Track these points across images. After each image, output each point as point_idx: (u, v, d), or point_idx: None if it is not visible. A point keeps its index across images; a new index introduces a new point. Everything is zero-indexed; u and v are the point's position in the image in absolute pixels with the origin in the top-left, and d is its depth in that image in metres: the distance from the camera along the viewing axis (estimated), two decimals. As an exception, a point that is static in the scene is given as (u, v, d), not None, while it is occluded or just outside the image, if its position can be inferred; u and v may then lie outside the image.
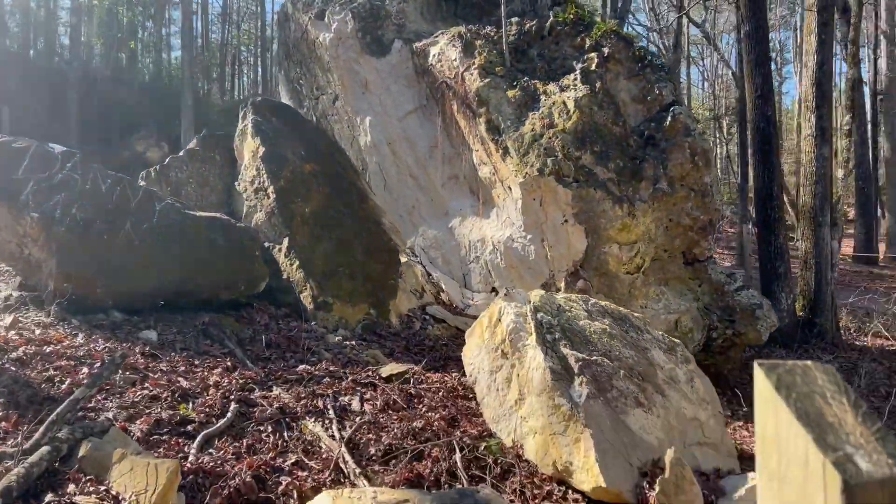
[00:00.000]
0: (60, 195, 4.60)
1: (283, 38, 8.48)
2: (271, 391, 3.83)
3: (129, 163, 13.10)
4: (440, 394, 4.19)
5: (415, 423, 3.66)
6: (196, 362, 3.95)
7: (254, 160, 5.69)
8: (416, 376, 4.42)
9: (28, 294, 4.59)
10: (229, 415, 3.43)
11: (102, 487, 2.67)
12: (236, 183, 5.89)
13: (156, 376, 3.64)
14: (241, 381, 3.81)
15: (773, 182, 8.33)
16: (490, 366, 3.91)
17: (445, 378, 4.49)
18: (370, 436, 3.53)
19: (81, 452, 2.82)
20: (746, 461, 4.11)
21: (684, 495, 3.14)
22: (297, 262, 5.22)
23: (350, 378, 4.20)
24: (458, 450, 3.42)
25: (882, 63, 19.03)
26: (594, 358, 3.67)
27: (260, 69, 29.76)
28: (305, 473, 3.13)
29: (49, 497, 2.57)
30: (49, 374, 3.47)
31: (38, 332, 3.98)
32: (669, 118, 5.69)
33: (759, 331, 5.86)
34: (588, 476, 3.17)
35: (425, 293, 6.26)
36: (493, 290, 6.74)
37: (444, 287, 6.78)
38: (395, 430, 3.57)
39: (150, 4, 24.19)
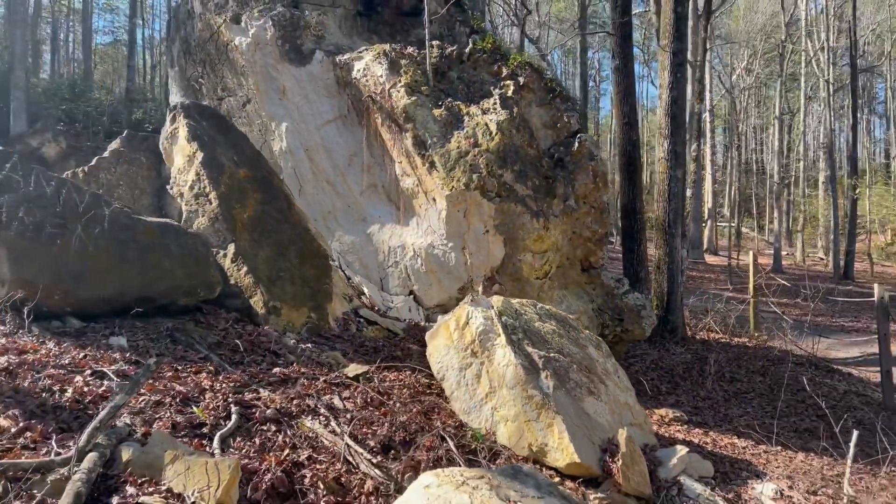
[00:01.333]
0: (4, 197, 4.39)
1: (185, 34, 8.27)
2: (259, 393, 4.03)
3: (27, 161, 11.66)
4: (406, 391, 4.61)
5: (400, 418, 4.07)
6: (178, 367, 4.03)
7: (190, 164, 5.68)
8: (377, 375, 4.79)
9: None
10: (234, 416, 3.61)
11: (163, 487, 2.81)
12: (168, 186, 5.81)
13: (151, 381, 3.71)
14: (230, 385, 3.97)
15: (637, 198, 9.63)
16: (459, 363, 4.40)
17: (401, 376, 4.90)
18: (365, 430, 3.88)
19: (125, 457, 2.91)
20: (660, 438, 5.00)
21: (637, 466, 3.87)
22: (246, 268, 5.34)
23: (321, 379, 4.48)
24: (448, 438, 3.88)
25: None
26: (552, 355, 4.30)
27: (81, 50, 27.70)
28: (323, 466, 3.43)
29: (116, 499, 2.68)
30: (44, 384, 3.43)
31: (2, 340, 3.84)
32: (577, 143, 6.52)
33: (644, 328, 6.89)
34: (563, 455, 3.78)
35: (353, 297, 6.59)
36: (411, 293, 7.21)
37: (365, 290, 7.12)
38: (386, 424, 3.95)
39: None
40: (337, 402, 4.23)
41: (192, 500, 2.78)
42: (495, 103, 6.58)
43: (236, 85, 7.72)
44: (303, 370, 4.53)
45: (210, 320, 4.93)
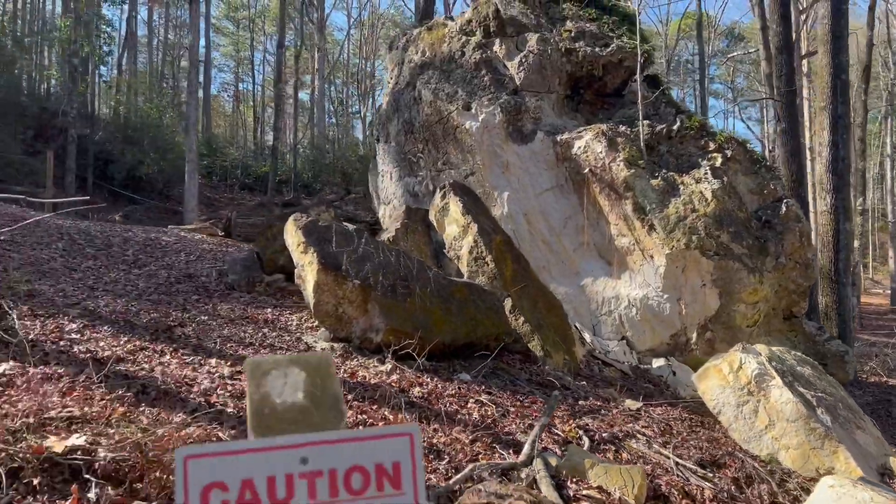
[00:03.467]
0: (367, 265, 5.72)
1: (409, 117, 9.74)
2: (583, 420, 5.08)
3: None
4: (682, 423, 5.56)
5: (692, 442, 5.02)
6: (518, 397, 5.16)
7: (465, 233, 6.94)
8: (651, 409, 5.77)
9: (337, 344, 5.64)
10: (585, 438, 4.67)
11: (592, 485, 3.88)
12: (445, 250, 7.09)
13: (512, 409, 4.83)
14: (565, 412, 5.05)
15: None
16: (736, 401, 5.33)
17: (670, 411, 5.86)
18: (678, 451, 4.86)
19: (553, 462, 4.01)
20: None
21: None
22: (522, 318, 6.49)
23: (614, 411, 5.50)
24: (746, 460, 4.80)
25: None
26: (819, 394, 5.17)
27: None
28: (665, 478, 4.41)
29: (569, 491, 3.76)
30: (453, 409, 4.61)
31: (394, 376, 5.08)
32: (784, 208, 7.41)
33: (847, 372, 7.58)
34: (852, 476, 4.62)
35: (582, 342, 7.63)
36: (623, 338, 8.18)
37: (585, 336, 8.16)
38: (703, 446, 4.92)
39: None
40: (639, 428, 5.23)
41: (618, 495, 3.82)
42: (706, 173, 7.57)
43: (460, 160, 9.05)
44: (597, 403, 5.57)
45: (509, 360, 6.08)
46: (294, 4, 39.19)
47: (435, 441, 4.06)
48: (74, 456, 2.91)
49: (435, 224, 7.39)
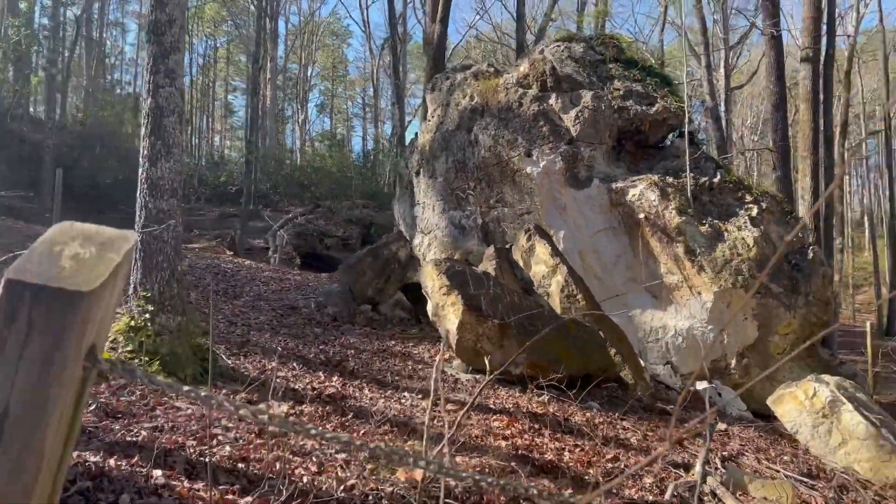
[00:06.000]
0: (499, 305, 6.55)
1: (462, 157, 10.59)
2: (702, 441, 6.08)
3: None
4: (766, 440, 6.67)
5: (794, 458, 6.13)
6: (644, 420, 6.12)
7: (553, 273, 7.87)
8: (729, 429, 6.86)
9: (479, 375, 6.45)
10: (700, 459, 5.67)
11: (758, 497, 4.86)
12: (535, 287, 7.98)
13: (650, 433, 5.79)
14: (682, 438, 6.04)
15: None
16: (812, 422, 6.48)
17: (747, 430, 6.97)
18: (772, 465, 5.93)
19: (719, 479, 4.97)
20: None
21: (960, 490, 5.90)
22: (614, 350, 7.47)
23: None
24: (839, 474, 5.93)
25: None
26: (877, 416, 6.38)
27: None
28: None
29: (743, 500, 4.74)
30: (612, 434, 5.51)
31: (537, 407, 5.94)
32: (811, 253, 8.73)
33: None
34: (917, 482, 5.83)
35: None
36: (668, 362, 9.30)
37: (639, 361, 9.22)
38: (795, 461, 6.01)
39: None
40: (738, 447, 6.29)
41: None
42: (745, 222, 8.80)
43: (517, 200, 9.98)
44: (698, 425, 6.60)
45: (609, 388, 7.03)
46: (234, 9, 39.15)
47: (626, 464, 4.95)
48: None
49: (521, 263, 8.28)
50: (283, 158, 39.07)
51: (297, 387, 5.13)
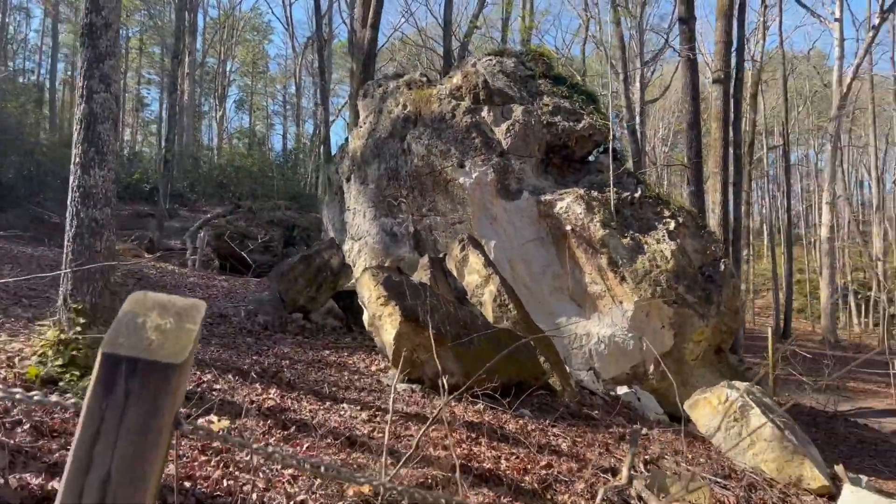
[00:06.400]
0: (436, 315, 6.69)
1: (395, 165, 10.67)
2: (626, 445, 6.42)
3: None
4: (682, 444, 7.09)
5: (708, 460, 6.56)
6: (572, 427, 6.39)
7: (486, 283, 8.08)
8: (649, 433, 7.25)
9: (414, 385, 6.55)
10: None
11: (679, 500, 5.20)
12: (468, 296, 8.14)
13: (579, 439, 6.07)
14: (607, 437, 6.37)
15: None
16: (725, 426, 6.96)
17: (664, 434, 7.38)
18: (690, 467, 6.34)
19: (644, 483, 5.28)
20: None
21: (843, 484, 6.50)
22: (542, 357, 7.75)
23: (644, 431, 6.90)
24: (749, 475, 6.40)
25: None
26: (781, 419, 6.93)
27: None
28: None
29: None
30: (545, 441, 5.74)
31: (473, 416, 6.11)
32: (723, 266, 9.34)
33: (762, 396, 9.62)
34: (815, 482, 6.37)
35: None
36: (591, 369, 9.71)
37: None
38: (709, 462, 6.44)
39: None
40: (658, 450, 6.67)
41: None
42: (664, 235, 9.32)
43: (449, 209, 10.15)
44: (620, 430, 6.95)
45: (539, 396, 7.28)
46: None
47: (559, 470, 5.18)
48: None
49: (454, 272, 8.45)
50: (201, 156, 37.85)
51: (235, 400, 5.08)
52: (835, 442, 10.39)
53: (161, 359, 0.77)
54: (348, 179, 11.93)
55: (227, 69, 54.21)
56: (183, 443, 4.01)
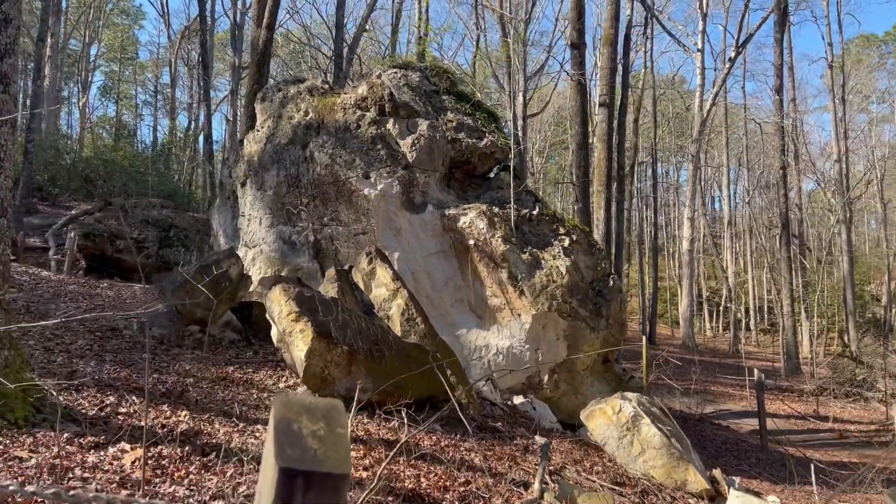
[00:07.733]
0: (348, 331, 6.66)
1: (296, 172, 10.45)
2: (530, 457, 6.69)
3: None
4: (580, 452, 7.49)
5: (604, 468, 6.98)
6: (483, 441, 6.58)
7: (394, 296, 8.12)
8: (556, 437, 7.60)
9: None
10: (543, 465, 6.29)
11: (584, 507, 5.49)
12: (375, 309, 8.09)
13: (489, 452, 6.26)
14: (508, 449, 6.61)
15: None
16: (618, 434, 7.42)
17: (562, 443, 7.76)
18: (579, 467, 6.73)
19: (554, 495, 5.53)
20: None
21: (721, 486, 7.16)
22: (450, 372, 7.89)
23: (535, 446, 7.21)
24: (641, 479, 6.87)
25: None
26: (668, 428, 7.50)
27: None
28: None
29: (577, 514, 5.34)
30: (458, 456, 5.88)
31: (388, 434, 6.14)
32: (611, 282, 9.94)
33: (644, 403, 10.32)
34: (698, 485, 6.96)
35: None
36: (489, 379, 9.99)
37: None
38: (605, 470, 6.85)
39: None
40: (559, 460, 7.00)
41: (600, 512, 5.48)
42: (559, 252, 9.79)
43: (353, 219, 10.08)
44: (524, 441, 7.22)
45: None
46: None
47: (476, 486, 5.32)
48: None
49: (361, 285, 8.42)
50: (63, 147, 34.97)
51: (144, 424, 4.80)
52: (703, 443, 11.36)
53: (333, 470, 0.79)
54: (243, 185, 11.52)
55: (92, 53, 50.45)
56: (98, 475, 3.77)
